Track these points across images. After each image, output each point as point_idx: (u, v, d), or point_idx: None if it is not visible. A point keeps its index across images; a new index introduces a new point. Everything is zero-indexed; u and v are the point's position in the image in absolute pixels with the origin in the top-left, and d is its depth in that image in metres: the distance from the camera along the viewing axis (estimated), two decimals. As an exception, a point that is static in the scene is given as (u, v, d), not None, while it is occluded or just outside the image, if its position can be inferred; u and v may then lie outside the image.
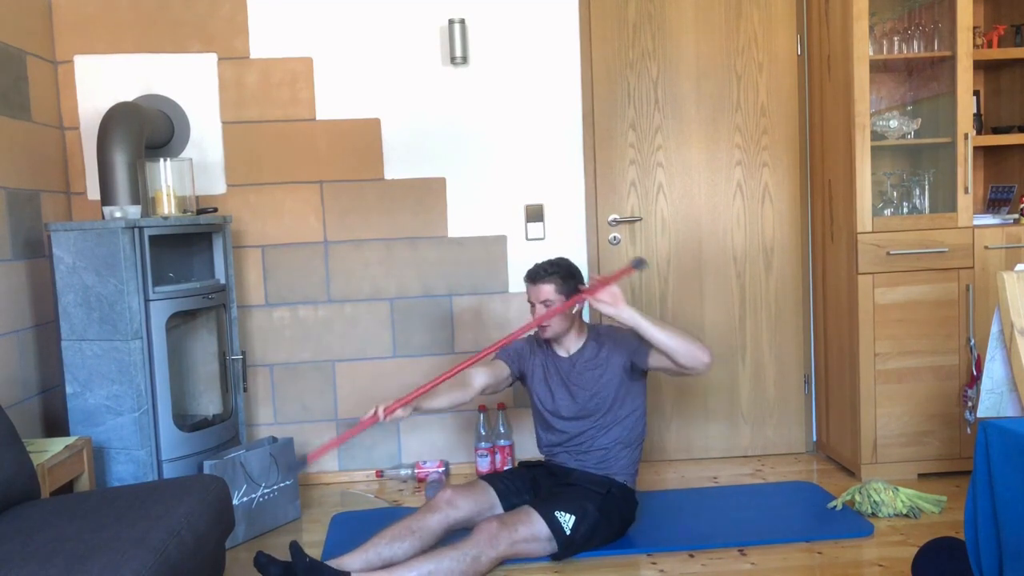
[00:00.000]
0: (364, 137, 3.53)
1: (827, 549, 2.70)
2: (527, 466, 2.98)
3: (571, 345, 2.86)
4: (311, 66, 3.50)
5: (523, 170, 3.60)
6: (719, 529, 2.87)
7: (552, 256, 2.88)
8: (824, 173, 3.52)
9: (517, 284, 3.59)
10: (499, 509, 2.75)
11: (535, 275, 2.79)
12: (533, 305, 2.80)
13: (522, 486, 2.83)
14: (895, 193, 3.50)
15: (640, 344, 2.72)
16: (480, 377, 2.81)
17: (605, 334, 2.87)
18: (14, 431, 2.27)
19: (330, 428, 3.61)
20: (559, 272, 2.77)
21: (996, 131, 3.49)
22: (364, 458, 3.63)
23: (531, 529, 2.56)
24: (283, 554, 2.45)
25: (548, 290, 2.76)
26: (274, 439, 3.16)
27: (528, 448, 3.54)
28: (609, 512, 2.69)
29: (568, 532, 2.59)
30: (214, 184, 3.49)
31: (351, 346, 3.60)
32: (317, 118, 3.51)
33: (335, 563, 2.43)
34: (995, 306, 2.33)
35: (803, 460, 3.68)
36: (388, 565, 2.44)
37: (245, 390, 3.37)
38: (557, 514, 2.59)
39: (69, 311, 2.85)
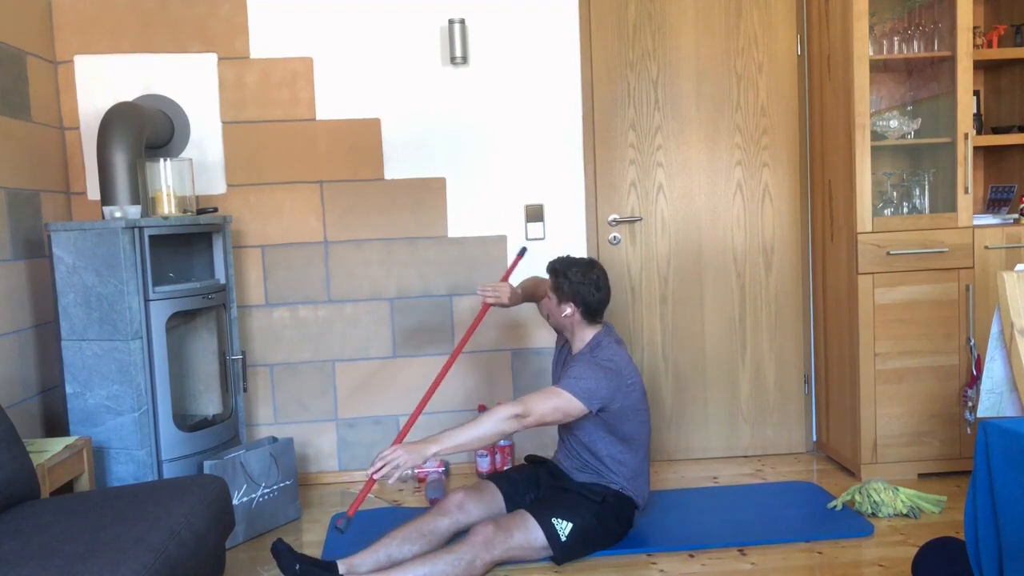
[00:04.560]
0: (364, 137, 3.53)
1: (827, 549, 2.70)
2: (532, 462, 2.99)
3: (576, 344, 2.85)
4: (311, 66, 3.50)
5: (523, 170, 3.59)
6: (719, 529, 2.87)
7: (554, 256, 2.89)
8: (824, 173, 3.52)
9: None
10: (505, 513, 2.75)
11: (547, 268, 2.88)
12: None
13: (525, 487, 2.84)
14: (895, 193, 3.50)
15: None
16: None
17: (591, 354, 2.74)
18: (14, 431, 2.27)
19: (330, 428, 3.61)
20: (552, 266, 2.85)
21: (996, 131, 3.49)
22: (364, 458, 3.63)
23: (527, 536, 2.56)
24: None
25: (549, 284, 2.86)
26: (274, 439, 3.16)
27: (528, 448, 3.54)
28: (606, 519, 2.68)
29: (564, 539, 2.58)
30: (214, 184, 3.49)
31: (351, 346, 3.60)
32: (317, 118, 3.51)
33: (345, 562, 2.44)
34: (995, 306, 2.33)
35: (803, 460, 3.68)
36: (394, 565, 2.45)
37: (245, 390, 3.37)
38: (554, 520, 2.59)
39: (69, 311, 2.85)
